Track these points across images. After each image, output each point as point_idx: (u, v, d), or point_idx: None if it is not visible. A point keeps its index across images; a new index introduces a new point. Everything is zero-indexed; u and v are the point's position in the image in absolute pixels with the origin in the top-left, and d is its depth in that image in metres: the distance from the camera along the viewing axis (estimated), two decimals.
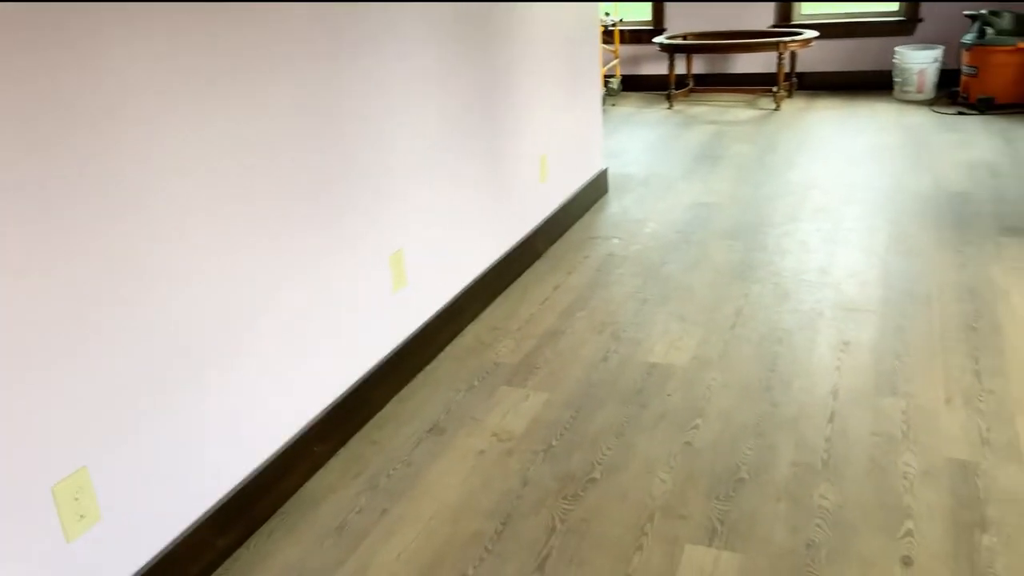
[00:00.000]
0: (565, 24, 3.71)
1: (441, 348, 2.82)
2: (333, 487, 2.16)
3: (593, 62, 4.12)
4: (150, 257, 1.63)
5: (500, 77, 3.12)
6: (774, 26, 6.31)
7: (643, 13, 6.80)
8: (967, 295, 2.94)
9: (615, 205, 4.19)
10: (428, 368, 2.73)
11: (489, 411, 2.46)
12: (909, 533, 1.86)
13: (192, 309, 1.75)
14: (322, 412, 2.23)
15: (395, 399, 2.55)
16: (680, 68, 6.67)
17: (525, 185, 3.42)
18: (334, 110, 2.17)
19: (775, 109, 5.88)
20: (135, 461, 1.65)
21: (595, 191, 4.21)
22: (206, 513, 1.84)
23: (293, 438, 2.12)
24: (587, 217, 4.05)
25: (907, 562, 1.78)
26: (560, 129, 3.75)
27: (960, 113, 5.35)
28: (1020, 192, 3.88)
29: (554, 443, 2.29)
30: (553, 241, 3.74)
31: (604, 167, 4.37)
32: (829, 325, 2.81)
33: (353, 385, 2.35)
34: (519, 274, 3.41)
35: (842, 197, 4.03)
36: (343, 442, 2.32)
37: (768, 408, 2.37)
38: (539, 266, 3.51)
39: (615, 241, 3.72)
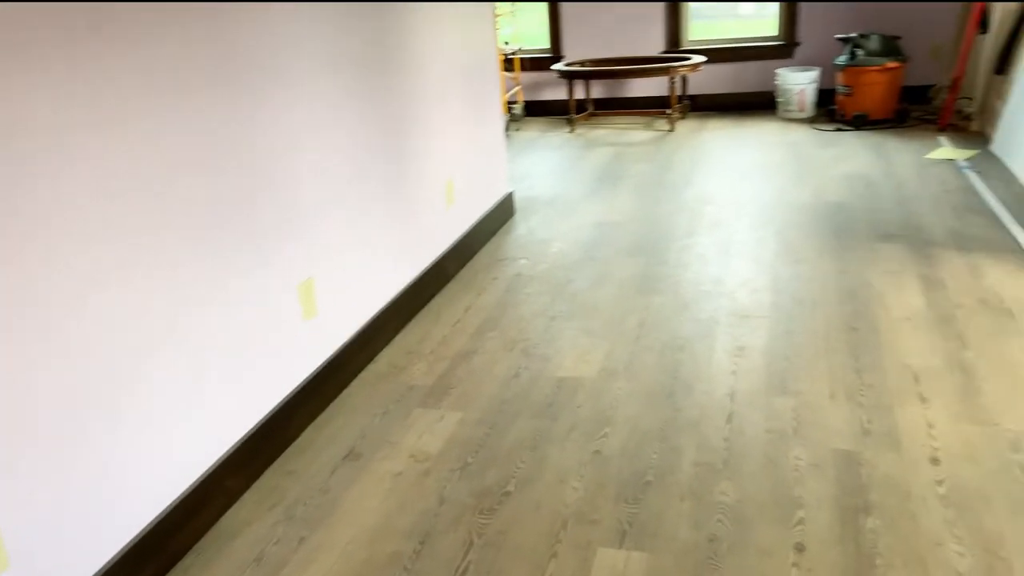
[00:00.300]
0: (466, 52, 3.82)
1: (355, 374, 2.84)
2: (249, 520, 2.15)
3: (494, 89, 4.24)
4: (47, 284, 1.62)
5: (406, 104, 3.19)
6: (665, 52, 6.61)
7: (542, 41, 7.01)
8: (848, 298, 3.16)
9: (522, 227, 4.30)
10: (343, 395, 2.75)
11: (405, 433, 2.50)
12: (801, 521, 2.00)
13: (91, 339, 1.74)
14: (235, 445, 2.22)
15: (311, 427, 2.56)
16: (579, 93, 6.90)
17: (433, 210, 3.49)
18: (240, 138, 2.19)
19: (670, 130, 6.15)
20: (41, 504, 1.62)
21: (502, 214, 4.32)
22: (118, 555, 1.82)
23: (205, 473, 2.10)
24: (495, 239, 4.14)
25: (800, 548, 1.91)
26: (466, 154, 3.84)
27: (838, 129, 5.72)
28: (892, 201, 4.19)
29: (470, 460, 2.34)
30: (463, 264, 3.81)
31: (510, 190, 4.48)
32: (725, 332, 2.97)
33: (266, 416, 2.35)
34: (431, 297, 3.47)
35: (734, 211, 4.26)
36: (258, 474, 2.32)
37: (671, 413, 2.49)
38: (450, 288, 3.58)
39: (523, 261, 3.82)
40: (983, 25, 5.29)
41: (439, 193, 3.55)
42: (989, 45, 5.21)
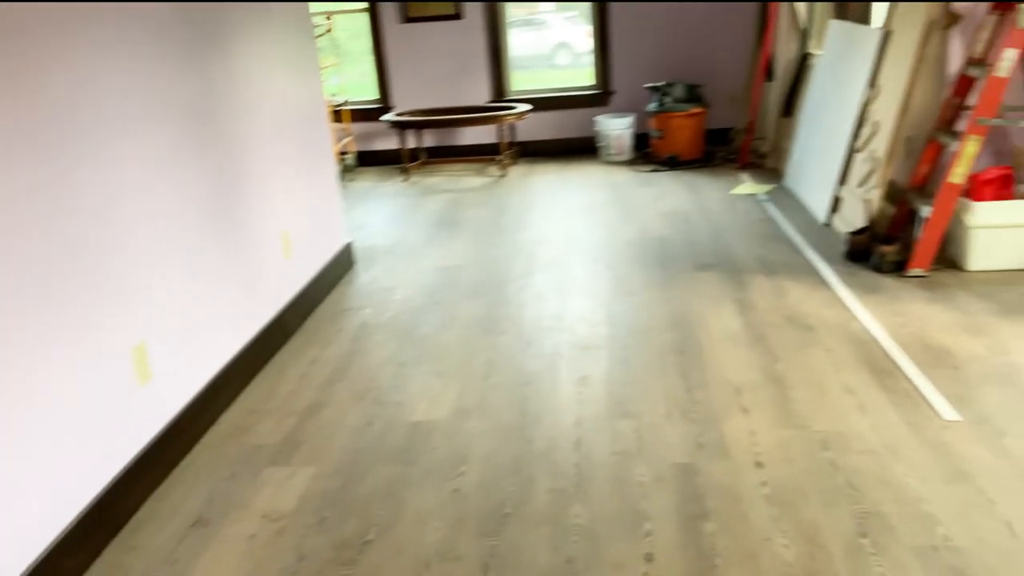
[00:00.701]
0: (295, 103, 3.83)
1: (197, 438, 2.74)
2: None
3: (325, 139, 4.26)
4: None
5: (237, 157, 3.15)
6: (491, 101, 6.89)
7: (370, 92, 7.09)
8: (675, 324, 3.41)
9: (364, 276, 4.31)
10: (185, 461, 2.63)
11: (256, 494, 2.44)
12: (649, 533, 2.14)
13: None
14: (70, 523, 2.08)
15: (152, 498, 2.44)
16: (411, 142, 7.03)
17: (271, 263, 3.44)
18: (66, 196, 2.09)
19: (502, 176, 6.39)
20: None
21: (342, 264, 4.31)
22: None
23: (40, 556, 1.96)
24: (337, 290, 4.12)
25: (649, 559, 2.04)
26: (301, 205, 3.82)
27: (654, 170, 6.18)
28: (707, 235, 4.57)
29: (327, 514, 2.32)
30: (305, 317, 3.76)
31: (348, 240, 4.49)
32: (568, 364, 3.12)
33: (103, 490, 2.22)
34: (273, 353, 3.40)
35: (566, 250, 4.49)
36: (98, 552, 2.18)
37: (524, 446, 2.59)
38: (293, 343, 3.52)
39: (367, 311, 3.83)
40: (769, 74, 5.93)
41: (275, 246, 3.51)
42: (775, 92, 5.84)
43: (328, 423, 2.82)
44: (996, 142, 3.90)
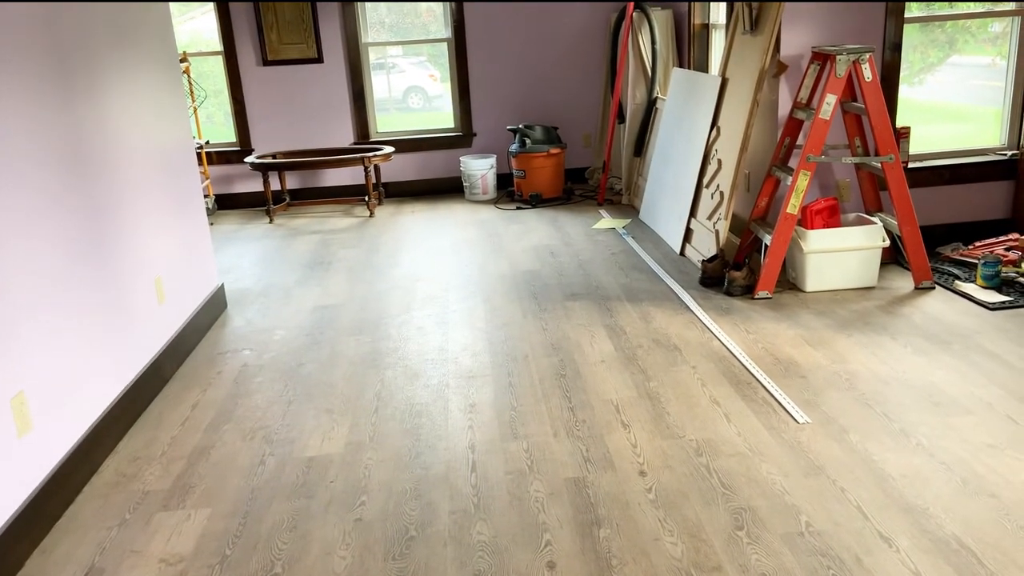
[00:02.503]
0: (164, 146, 3.76)
1: (79, 489, 2.62)
2: None
3: (195, 181, 4.19)
4: None
5: (107, 202, 3.07)
6: (356, 143, 6.95)
7: (229, 135, 6.97)
8: (552, 350, 3.60)
9: (238, 319, 4.24)
10: (69, 512, 2.52)
11: (150, 540, 2.37)
12: (549, 543, 2.27)
13: None
14: None
15: (37, 553, 2.32)
16: (275, 184, 6.96)
17: (144, 309, 3.34)
18: None
19: (370, 216, 6.45)
20: None
21: (215, 307, 4.22)
22: None
23: None
24: (211, 334, 4.04)
25: (551, 566, 2.17)
26: (172, 249, 3.74)
27: (519, 208, 6.44)
28: (574, 266, 4.83)
29: (228, 552, 2.30)
30: (181, 362, 3.66)
31: (220, 283, 4.40)
32: (456, 393, 3.23)
33: None
34: (151, 399, 3.29)
35: (443, 286, 4.61)
36: None
37: (421, 472, 2.66)
38: (171, 388, 3.42)
39: (246, 352, 3.78)
40: (621, 117, 6.36)
41: (149, 291, 3.42)
42: (627, 133, 6.27)
43: (219, 464, 2.78)
44: (822, 176, 4.41)
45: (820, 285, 4.05)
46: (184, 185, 4.00)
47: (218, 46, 6.72)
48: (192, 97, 6.53)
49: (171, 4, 6.82)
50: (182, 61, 6.45)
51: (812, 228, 4.02)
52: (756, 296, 4.04)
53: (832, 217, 4.11)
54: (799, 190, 3.89)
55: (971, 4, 4.92)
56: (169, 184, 3.79)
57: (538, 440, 2.83)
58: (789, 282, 4.20)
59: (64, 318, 2.66)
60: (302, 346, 3.82)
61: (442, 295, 4.46)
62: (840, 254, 4.00)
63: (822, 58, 4.03)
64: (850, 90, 4.07)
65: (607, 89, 6.72)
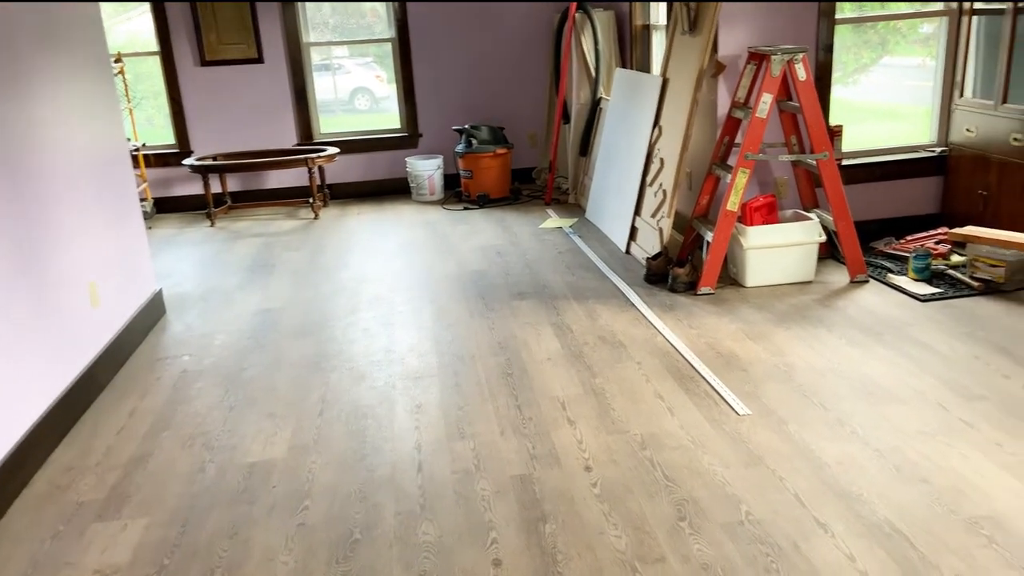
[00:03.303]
0: (97, 147, 3.66)
1: (9, 502, 2.53)
2: None
3: (130, 184, 4.08)
4: None
5: (38, 206, 2.97)
6: (299, 144, 6.86)
7: (167, 137, 6.82)
8: (499, 349, 3.60)
9: (177, 324, 4.15)
10: None
11: (84, 552, 2.30)
12: (495, 541, 2.27)
13: None
14: None
15: None
16: (216, 187, 6.82)
17: (77, 315, 3.25)
18: None
19: (315, 218, 6.37)
20: None
21: (152, 312, 4.12)
22: None
23: None
24: (150, 339, 3.94)
25: (497, 563, 2.17)
26: (107, 253, 3.64)
27: (466, 208, 6.43)
28: (521, 266, 4.84)
29: (166, 562, 2.24)
30: (117, 368, 3.57)
31: (158, 288, 4.30)
32: (402, 394, 3.21)
33: None
34: (86, 408, 3.20)
35: (389, 286, 4.58)
36: None
37: (367, 474, 2.64)
38: (106, 396, 3.33)
39: (186, 358, 3.70)
40: (566, 117, 6.40)
41: (82, 297, 3.32)
42: (573, 133, 6.32)
43: (157, 473, 2.71)
44: (760, 173, 4.51)
45: (760, 280, 4.14)
46: (119, 188, 3.90)
47: (155, 46, 6.57)
48: (128, 99, 6.36)
49: (103, 5, 6.63)
50: (116, 62, 6.29)
51: (752, 225, 4.10)
52: (699, 292, 4.10)
53: (771, 214, 4.19)
54: (738, 188, 3.96)
55: (901, 5, 5.08)
56: (103, 187, 3.69)
57: (485, 439, 2.83)
58: (731, 278, 4.28)
59: None
60: (244, 350, 3.75)
61: (388, 296, 4.42)
62: (779, 250, 4.09)
63: (758, 58, 4.11)
64: (785, 89, 4.16)
65: (552, 89, 6.76)
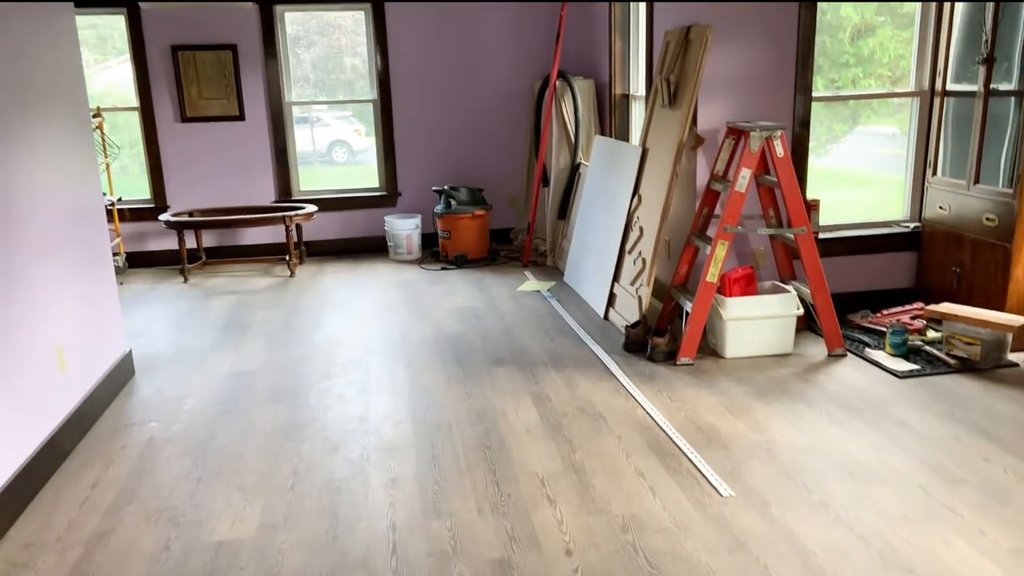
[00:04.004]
0: (70, 203, 3.59)
1: None
2: None
3: (103, 241, 4.01)
4: None
5: (6, 267, 2.89)
6: (277, 200, 6.83)
7: (143, 189, 6.75)
8: (477, 419, 3.54)
9: (146, 387, 4.04)
10: None
11: None
12: None
13: None
14: None
15: None
16: (190, 242, 6.74)
17: (42, 380, 3.14)
18: None
19: (290, 276, 6.30)
20: None
21: (121, 374, 4.01)
22: None
23: None
24: (117, 403, 3.82)
25: None
26: (76, 314, 3.55)
27: (443, 268, 6.41)
28: (499, 330, 4.81)
29: None
30: (82, 435, 3.45)
31: (128, 348, 4.19)
32: (377, 467, 3.13)
33: None
34: (47, 478, 3.07)
35: (364, 350, 4.51)
36: None
37: (339, 556, 2.54)
38: (70, 465, 3.21)
39: (153, 424, 3.58)
40: (545, 180, 6.45)
41: (48, 361, 3.22)
42: (552, 196, 6.36)
43: (119, 551, 2.60)
44: (739, 244, 4.54)
45: (739, 351, 4.13)
46: (92, 246, 3.83)
47: (134, 101, 6.55)
48: (105, 153, 6.31)
49: (84, 54, 6.63)
50: (95, 116, 6.25)
51: (731, 296, 4.12)
52: (678, 362, 4.09)
53: (749, 285, 4.22)
54: (717, 259, 3.99)
55: (875, 85, 5.23)
56: (75, 246, 3.62)
57: (462, 517, 2.75)
58: (710, 348, 4.27)
59: None
60: (214, 416, 3.65)
61: (364, 360, 4.35)
62: (758, 321, 4.10)
63: (736, 133, 4.18)
64: (763, 164, 4.23)
65: (531, 152, 6.82)
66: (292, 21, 6.95)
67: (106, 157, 6.32)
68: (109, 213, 6.38)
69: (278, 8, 6.55)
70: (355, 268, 6.52)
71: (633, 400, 3.69)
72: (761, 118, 4.40)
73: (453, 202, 6.46)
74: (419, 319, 5.07)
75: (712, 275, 4.00)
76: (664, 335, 4.16)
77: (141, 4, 6.15)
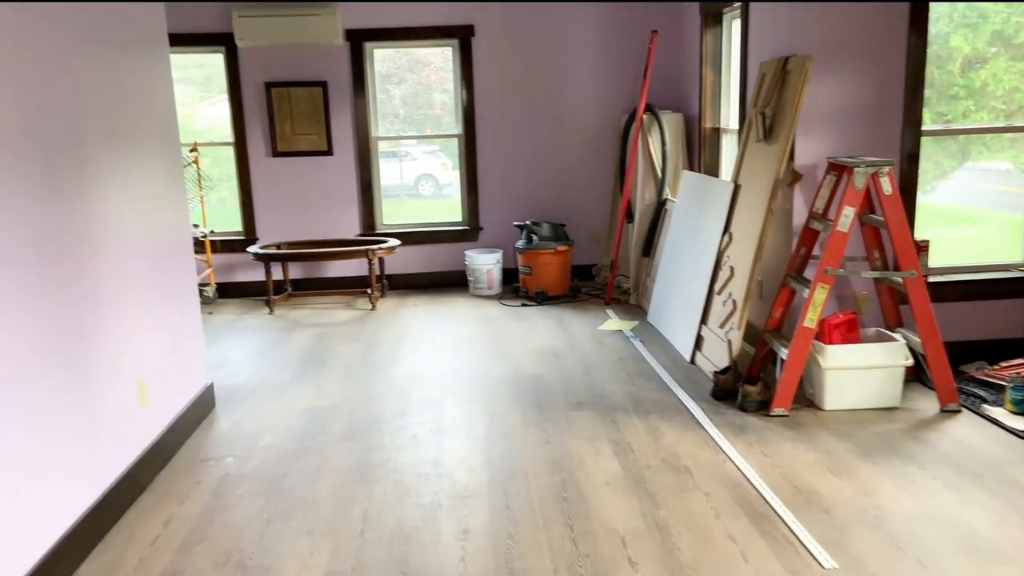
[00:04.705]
0: (159, 240, 3.64)
1: None
2: None
3: (190, 274, 4.06)
4: None
5: (90, 300, 2.92)
6: (361, 234, 6.87)
7: (234, 224, 6.91)
8: (554, 468, 3.37)
9: (225, 420, 4.04)
10: None
11: None
12: None
13: None
14: None
15: None
16: (277, 274, 6.84)
17: (123, 414, 3.15)
18: None
19: (372, 309, 6.30)
20: None
21: (202, 407, 4.02)
22: None
23: None
24: (196, 437, 3.82)
25: None
26: (160, 347, 3.57)
27: (524, 304, 6.29)
28: (579, 371, 4.63)
29: None
30: (159, 469, 3.44)
31: (210, 381, 4.21)
32: (448, 515, 2.99)
33: None
34: (122, 513, 3.06)
35: (441, 388, 4.41)
36: None
37: None
38: (145, 500, 3.19)
39: (229, 460, 3.56)
40: (629, 216, 6.28)
41: (130, 395, 3.23)
42: (636, 232, 6.17)
43: None
44: (839, 287, 4.26)
45: (839, 403, 3.84)
46: (178, 280, 3.87)
47: (230, 136, 6.73)
48: (200, 186, 6.49)
49: (192, 91, 6.87)
50: (192, 151, 6.44)
51: (830, 343, 3.84)
52: (772, 413, 3.82)
53: (851, 332, 3.93)
54: (816, 303, 3.72)
55: (987, 118, 4.87)
56: (161, 279, 3.66)
57: None
58: (806, 398, 3.99)
59: (26, 428, 2.46)
60: (289, 454, 3.59)
61: (440, 398, 4.25)
62: (861, 371, 3.80)
63: (838, 169, 3.93)
64: (868, 202, 3.95)
65: (615, 187, 6.67)
66: (383, 59, 7.05)
67: (200, 190, 6.50)
68: (202, 245, 6.54)
69: (368, 45, 6.65)
70: (435, 302, 6.47)
71: (722, 453, 3.45)
72: (863, 153, 4.13)
73: (535, 237, 6.35)
74: (497, 357, 4.95)
75: (810, 320, 3.74)
76: (756, 383, 3.90)
77: (238, 43, 6.33)
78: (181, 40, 6.41)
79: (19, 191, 2.50)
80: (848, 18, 4.03)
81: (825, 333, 3.86)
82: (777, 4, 4.33)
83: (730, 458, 3.39)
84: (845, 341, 3.88)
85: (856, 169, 3.66)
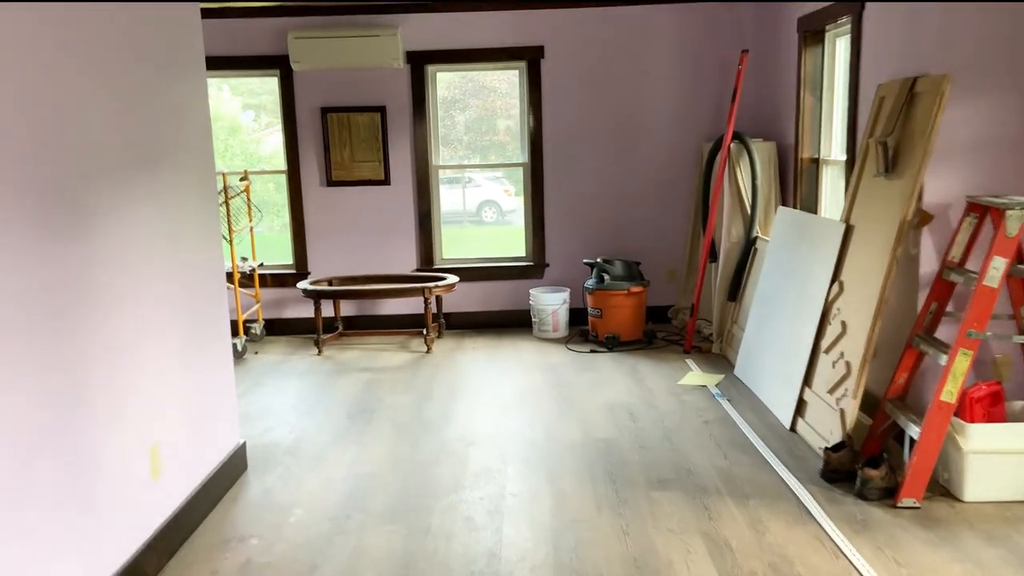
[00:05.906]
0: (187, 283, 3.21)
1: None
2: None
3: (221, 322, 3.62)
4: None
5: (98, 361, 2.47)
6: (418, 270, 6.41)
7: (285, 256, 6.53)
8: (635, 571, 2.77)
9: (256, 487, 3.56)
10: None
11: None
12: None
13: None
14: None
15: None
16: (327, 311, 6.41)
17: (131, 489, 2.69)
18: None
19: (427, 351, 5.81)
20: None
21: (230, 472, 3.56)
22: None
23: None
24: (219, 510, 3.35)
25: None
26: (180, 407, 3.12)
27: (593, 351, 5.71)
28: (658, 436, 4.03)
29: None
30: (172, 553, 2.97)
31: (241, 440, 3.75)
32: None
33: None
34: None
35: (501, 454, 3.86)
36: None
37: None
38: None
39: (253, 542, 3.06)
40: (713, 255, 5.66)
41: (140, 466, 2.77)
42: (720, 274, 5.54)
43: None
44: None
45: (984, 495, 3.15)
46: (207, 327, 3.43)
47: (282, 164, 6.38)
48: (249, 217, 6.13)
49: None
50: (242, 179, 6.10)
51: (972, 420, 3.16)
52: (899, 504, 3.15)
53: (995, 406, 3.24)
54: (957, 373, 3.06)
55: None
56: (187, 327, 3.22)
57: None
58: (939, 484, 3.30)
59: (13, 506, 2.01)
60: (320, 537, 3.08)
61: (499, 468, 3.70)
62: (1012, 457, 3.11)
63: (980, 210, 3.27)
64: (1019, 251, 3.27)
65: (697, 223, 6.05)
66: (447, 84, 6.62)
67: (250, 220, 6.14)
68: (250, 278, 6.17)
69: (429, 68, 6.22)
70: (496, 345, 5.94)
71: (843, 558, 2.80)
72: (1011, 191, 3.45)
73: (606, 276, 5.78)
74: (564, 416, 4.37)
75: (949, 393, 3.07)
76: (880, 466, 3.24)
77: (294, 66, 5.98)
78: (233, 63, 6.10)
79: (17, 237, 2.07)
80: (992, 30, 3.38)
81: (966, 408, 3.18)
82: (900, 16, 3.71)
83: (855, 567, 2.74)
84: (989, 417, 3.20)
85: (1009, 212, 3.00)
